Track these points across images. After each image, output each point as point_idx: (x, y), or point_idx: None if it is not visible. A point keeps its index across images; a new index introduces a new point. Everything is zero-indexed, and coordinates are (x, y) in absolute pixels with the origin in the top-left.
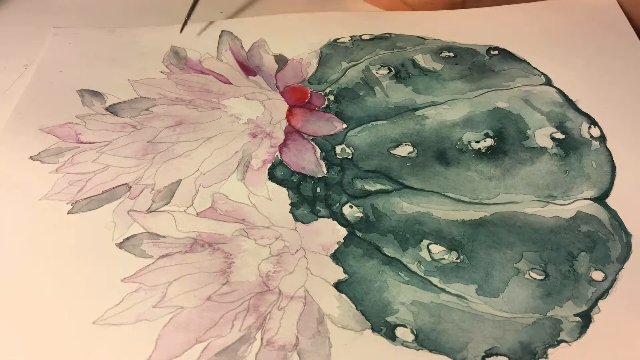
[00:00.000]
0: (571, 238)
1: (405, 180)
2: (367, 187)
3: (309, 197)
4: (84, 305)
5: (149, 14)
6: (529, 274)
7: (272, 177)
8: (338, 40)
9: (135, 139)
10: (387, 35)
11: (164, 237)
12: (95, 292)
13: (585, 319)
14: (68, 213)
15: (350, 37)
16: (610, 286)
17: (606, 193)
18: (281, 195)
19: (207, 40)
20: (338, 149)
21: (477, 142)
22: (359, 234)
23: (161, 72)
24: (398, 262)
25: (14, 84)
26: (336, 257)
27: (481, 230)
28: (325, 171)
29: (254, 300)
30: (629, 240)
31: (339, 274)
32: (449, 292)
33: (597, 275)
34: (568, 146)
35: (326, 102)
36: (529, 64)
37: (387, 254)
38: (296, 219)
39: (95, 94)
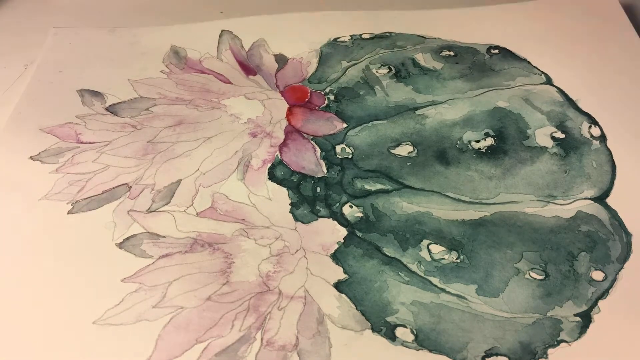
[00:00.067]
0: (571, 238)
1: (406, 180)
2: (367, 186)
3: (309, 197)
4: (84, 305)
5: (149, 14)
6: (529, 274)
7: (272, 176)
8: (338, 40)
9: (135, 139)
10: (387, 34)
11: (164, 237)
12: (95, 292)
13: (585, 319)
14: (68, 213)
15: (351, 36)
16: (611, 286)
17: (606, 193)
18: (281, 195)
19: (207, 39)
20: (338, 148)
21: (477, 141)
22: (359, 234)
23: (161, 72)
24: (398, 262)
25: (14, 84)
26: (336, 257)
27: (481, 230)
28: (325, 171)
29: (254, 300)
30: (629, 240)
31: (339, 274)
32: (449, 292)
33: (597, 275)
34: (568, 146)
35: (326, 102)
36: (529, 63)
37: (387, 254)
38: (296, 218)
39: (95, 94)
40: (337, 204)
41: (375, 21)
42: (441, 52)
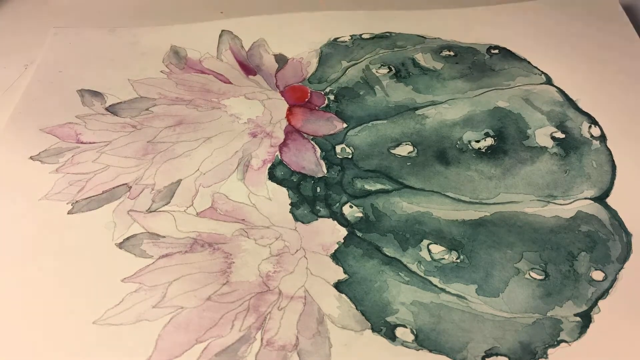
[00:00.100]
0: (571, 238)
1: (406, 180)
2: (367, 186)
3: (309, 197)
4: (84, 305)
5: (149, 14)
6: (529, 273)
7: (272, 176)
8: (338, 40)
9: (135, 139)
10: (387, 34)
11: (164, 237)
12: (95, 292)
13: (585, 319)
14: (68, 213)
15: (351, 36)
16: (611, 286)
17: (606, 193)
18: (281, 195)
19: (207, 39)
20: (338, 148)
21: (477, 141)
22: (359, 234)
23: (161, 72)
24: (398, 262)
25: (14, 84)
26: (336, 257)
27: (481, 230)
28: (325, 171)
29: (254, 300)
30: (629, 240)
31: (339, 274)
32: (449, 292)
33: (597, 275)
34: (568, 146)
35: (326, 102)
36: (529, 63)
37: (387, 254)
38: (296, 218)
39: (95, 94)
40: (337, 204)
41: (375, 21)
42: (441, 52)
